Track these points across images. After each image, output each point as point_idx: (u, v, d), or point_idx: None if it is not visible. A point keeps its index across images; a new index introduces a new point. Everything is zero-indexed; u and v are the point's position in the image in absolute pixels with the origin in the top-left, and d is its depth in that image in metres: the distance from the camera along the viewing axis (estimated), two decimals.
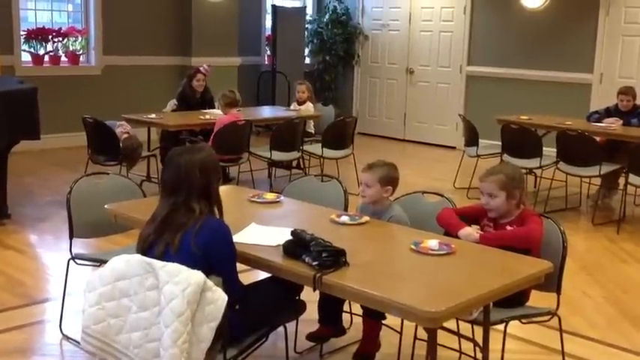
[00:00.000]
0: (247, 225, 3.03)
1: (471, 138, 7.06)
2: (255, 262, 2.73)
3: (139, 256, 2.42)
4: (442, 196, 3.57)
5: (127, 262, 2.38)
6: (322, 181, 3.91)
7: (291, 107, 7.45)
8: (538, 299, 3.12)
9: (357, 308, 3.29)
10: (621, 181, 6.17)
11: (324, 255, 2.57)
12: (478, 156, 6.91)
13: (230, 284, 2.55)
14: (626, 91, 6.56)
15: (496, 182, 3.18)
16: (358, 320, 3.38)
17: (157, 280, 2.32)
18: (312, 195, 3.71)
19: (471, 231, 3.15)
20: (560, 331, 3.11)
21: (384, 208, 3.36)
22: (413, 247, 2.81)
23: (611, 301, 4.29)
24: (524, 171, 6.54)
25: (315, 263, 2.55)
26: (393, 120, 10.38)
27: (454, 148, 9.24)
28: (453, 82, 9.66)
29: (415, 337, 3.23)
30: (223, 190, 3.85)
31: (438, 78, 9.83)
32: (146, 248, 2.55)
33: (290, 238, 2.71)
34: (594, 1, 8.23)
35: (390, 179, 3.35)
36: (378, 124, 10.50)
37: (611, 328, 3.90)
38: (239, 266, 2.71)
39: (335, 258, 2.58)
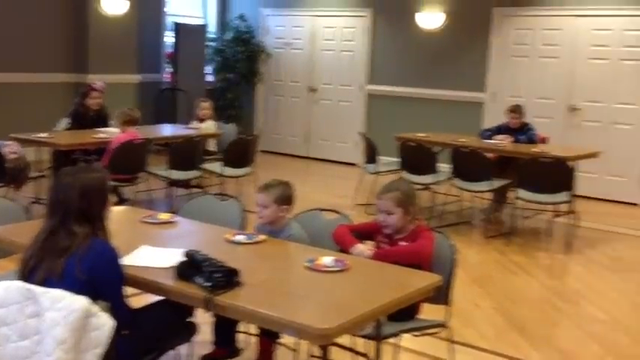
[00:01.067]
0: (137, 247, 2.96)
1: (371, 155, 7.21)
2: (146, 285, 2.67)
3: (18, 283, 2.32)
4: (339, 213, 3.62)
5: (6, 289, 2.28)
6: (224, 199, 3.88)
7: (192, 125, 7.37)
8: (433, 312, 3.21)
9: (253, 328, 3.28)
10: (511, 195, 6.45)
11: (216, 275, 2.54)
12: (377, 173, 7.06)
13: (117, 309, 2.49)
14: (515, 110, 6.88)
15: (393, 199, 3.25)
16: (254, 340, 3.36)
17: (39, 307, 2.23)
18: (208, 214, 3.67)
19: (363, 248, 3.21)
20: (450, 342, 3.20)
21: (282, 226, 3.37)
22: (307, 264, 2.83)
23: (501, 312, 4.46)
24: (420, 187, 6.84)
25: (207, 284, 2.52)
26: (296, 138, 10.45)
27: (355, 165, 9.40)
28: (355, 101, 9.85)
29: (310, 355, 3.24)
30: (116, 211, 3.77)
31: (340, 96, 9.99)
32: (27, 273, 2.45)
33: (182, 259, 2.66)
34: (486, 24, 8.62)
35: (286, 198, 3.37)
36: (282, 142, 10.55)
37: (500, 338, 4.05)
38: (130, 290, 2.64)
39: (228, 278, 2.56)
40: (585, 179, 7.48)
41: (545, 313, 4.53)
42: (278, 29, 10.46)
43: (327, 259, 2.87)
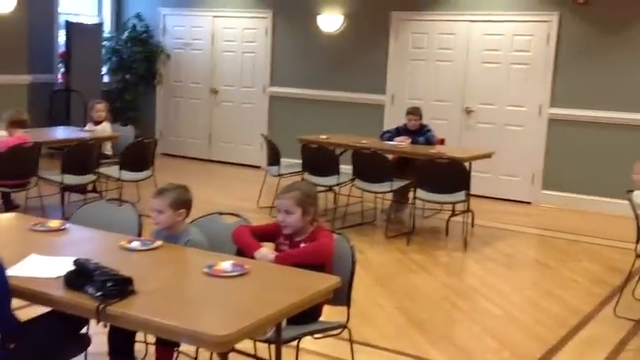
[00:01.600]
0: (26, 256, 2.80)
1: (273, 157, 7.19)
2: (33, 297, 2.53)
3: None
4: (239, 216, 3.57)
5: None
6: (119, 205, 3.75)
7: (87, 128, 7.10)
8: (335, 313, 3.21)
9: (151, 337, 3.17)
10: (411, 195, 6.58)
11: (108, 285, 2.44)
12: (280, 175, 7.04)
13: (2, 322, 2.34)
14: (413, 112, 7.04)
15: (293, 199, 3.24)
16: (153, 349, 3.26)
17: None
18: (103, 221, 3.53)
19: (267, 252, 3.18)
20: (351, 342, 3.21)
21: (180, 231, 3.29)
22: (206, 270, 2.77)
23: (401, 311, 4.54)
24: (323, 188, 6.88)
25: (98, 294, 2.42)
26: (198, 140, 10.28)
27: (259, 167, 9.35)
28: (257, 103, 9.79)
29: None
30: (4, 218, 3.58)
31: (243, 98, 9.91)
32: None
33: (72, 268, 2.54)
34: (385, 27, 8.78)
35: (183, 202, 3.29)
36: (183, 145, 10.35)
37: (400, 336, 4.12)
38: (18, 302, 2.50)
39: (120, 287, 2.46)
40: (480, 179, 7.76)
41: (443, 310, 4.64)
42: (177, 29, 10.26)
43: (225, 264, 2.81)
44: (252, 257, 3.15)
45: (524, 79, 8.06)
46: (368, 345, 3.88)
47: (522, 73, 8.06)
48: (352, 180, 6.62)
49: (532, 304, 4.82)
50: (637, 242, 4.52)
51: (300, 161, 6.96)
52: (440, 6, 8.47)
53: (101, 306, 2.36)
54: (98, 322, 2.41)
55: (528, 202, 8.11)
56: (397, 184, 6.48)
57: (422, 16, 8.58)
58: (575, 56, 7.76)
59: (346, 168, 6.70)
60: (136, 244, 3.09)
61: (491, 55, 8.21)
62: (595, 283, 5.28)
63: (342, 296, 3.05)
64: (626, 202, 4.65)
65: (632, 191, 4.67)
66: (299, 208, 3.23)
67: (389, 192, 6.57)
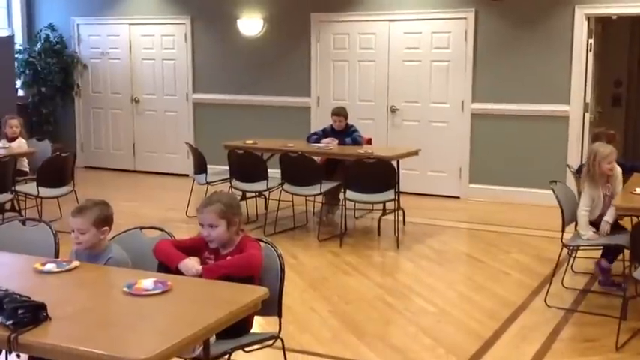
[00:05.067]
0: None
1: (200, 165, 7.03)
2: None
3: None
4: (162, 230, 3.44)
5: None
6: (34, 225, 3.55)
7: (1, 145, 6.77)
8: (272, 322, 3.12)
9: None
10: (342, 196, 6.54)
11: (20, 312, 2.29)
12: (208, 183, 6.89)
13: None
14: (338, 112, 7.01)
15: (215, 212, 3.13)
16: None
17: None
18: (17, 242, 3.34)
19: (193, 263, 3.06)
20: (284, 351, 3.12)
21: (101, 250, 3.14)
22: (126, 289, 2.63)
23: (336, 314, 4.48)
24: (252, 194, 6.77)
25: (9, 322, 2.27)
26: (121, 151, 9.99)
27: (187, 176, 9.14)
28: (181, 110, 9.59)
29: None
30: None
31: (165, 106, 9.69)
32: None
33: None
34: (306, 29, 8.72)
35: (105, 219, 3.16)
36: (106, 157, 10.04)
37: (336, 340, 4.06)
38: None
39: (33, 314, 2.31)
40: (409, 176, 7.81)
41: (378, 311, 4.61)
42: (93, 39, 9.96)
43: (147, 282, 2.68)
44: (177, 270, 3.03)
45: (445, 76, 8.16)
46: (304, 352, 3.80)
47: (443, 69, 8.15)
48: (281, 184, 6.53)
49: (465, 299, 4.85)
50: (562, 231, 4.61)
51: (227, 168, 6.83)
52: (359, 6, 8.48)
53: (13, 335, 2.22)
54: (11, 352, 2.26)
55: (457, 197, 8.21)
56: (326, 186, 6.43)
57: (342, 17, 8.58)
58: (493, 51, 7.90)
59: (275, 172, 6.61)
60: (50, 266, 2.92)
61: (412, 53, 8.27)
62: (525, 273, 5.35)
63: (271, 306, 2.96)
64: (550, 191, 4.73)
65: (555, 182, 4.76)
66: (222, 220, 3.12)
67: (319, 195, 6.51)
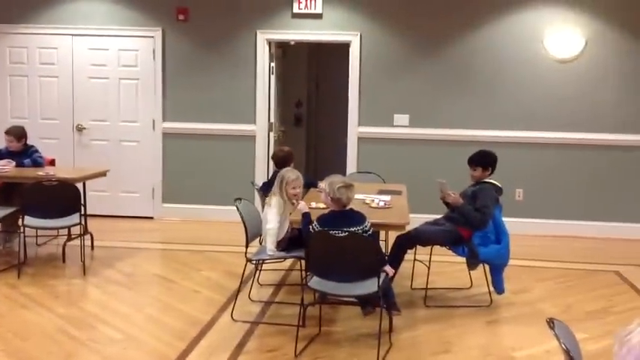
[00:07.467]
0: None
1: None
2: None
3: None
4: None
5: None
6: None
7: None
8: None
9: None
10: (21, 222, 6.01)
11: None
12: None
13: None
14: (8, 131, 6.47)
15: None
16: None
17: None
18: None
19: None
20: None
21: None
22: None
23: (10, 354, 4.05)
24: None
25: None
26: None
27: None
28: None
29: None
30: None
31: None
32: None
33: None
34: None
35: None
36: None
37: None
38: None
39: None
40: (99, 198, 7.51)
41: (59, 345, 4.27)
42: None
43: None
44: None
45: (135, 94, 8.00)
46: None
47: (132, 88, 7.99)
48: None
49: (153, 321, 4.74)
50: (246, 246, 4.76)
51: None
52: (39, 18, 7.93)
53: None
54: None
55: (151, 217, 8.09)
56: (3, 212, 5.85)
57: (18, 30, 7.95)
58: (182, 71, 7.96)
59: None
60: None
61: (99, 70, 7.98)
62: (215, 290, 5.42)
63: None
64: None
65: (240, 199, 4.90)
66: None
67: None
